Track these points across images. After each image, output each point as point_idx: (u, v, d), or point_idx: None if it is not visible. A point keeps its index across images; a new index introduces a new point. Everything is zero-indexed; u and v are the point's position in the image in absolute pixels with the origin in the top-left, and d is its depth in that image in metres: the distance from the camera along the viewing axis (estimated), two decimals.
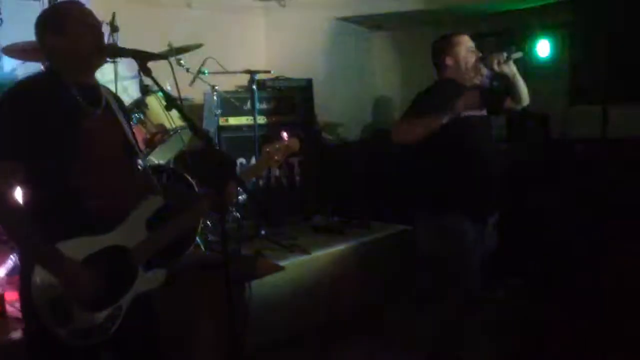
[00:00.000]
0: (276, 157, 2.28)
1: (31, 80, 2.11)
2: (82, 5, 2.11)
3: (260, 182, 5.17)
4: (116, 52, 2.13)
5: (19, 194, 2.01)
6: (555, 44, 5.48)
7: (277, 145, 2.29)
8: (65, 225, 1.97)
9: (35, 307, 1.94)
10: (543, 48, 5.63)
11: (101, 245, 2.02)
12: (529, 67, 5.61)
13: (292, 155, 2.37)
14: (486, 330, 3.78)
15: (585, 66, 5.25)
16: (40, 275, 1.93)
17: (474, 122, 3.13)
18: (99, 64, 2.12)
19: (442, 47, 3.24)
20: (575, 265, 4.33)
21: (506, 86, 3.25)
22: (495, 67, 3.11)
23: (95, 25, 2.09)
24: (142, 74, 1.98)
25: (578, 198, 4.68)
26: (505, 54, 3.12)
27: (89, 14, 2.08)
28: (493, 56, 3.13)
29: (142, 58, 2.05)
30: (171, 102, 2.00)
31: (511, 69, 3.16)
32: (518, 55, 3.17)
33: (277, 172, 5.18)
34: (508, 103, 3.30)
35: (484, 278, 4.07)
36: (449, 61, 3.19)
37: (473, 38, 3.29)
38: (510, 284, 4.67)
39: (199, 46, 4.31)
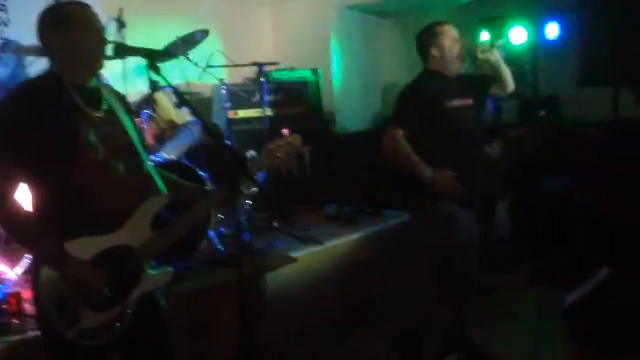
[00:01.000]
0: (278, 154, 2.23)
1: (31, 83, 2.12)
2: (86, 7, 2.10)
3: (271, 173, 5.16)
4: (125, 51, 2.12)
5: (24, 197, 2.01)
6: (564, 27, 5.47)
7: (279, 143, 2.24)
8: (69, 226, 1.98)
9: (43, 308, 1.97)
10: (552, 30, 5.62)
11: (106, 244, 2.02)
12: (538, 50, 5.61)
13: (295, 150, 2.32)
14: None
15: (594, 48, 5.21)
16: (46, 276, 1.95)
17: (459, 112, 3.17)
18: (97, 68, 2.11)
19: (427, 38, 3.25)
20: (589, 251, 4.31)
21: (492, 73, 3.32)
22: (479, 54, 3.19)
23: (98, 28, 2.07)
24: (153, 71, 1.97)
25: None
26: (488, 42, 3.23)
27: (92, 16, 2.07)
28: (476, 44, 3.23)
29: (151, 56, 2.05)
30: (182, 99, 1.99)
31: (495, 55, 3.23)
32: (500, 42, 3.27)
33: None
34: (493, 89, 3.37)
35: (495, 264, 4.10)
36: (434, 52, 3.20)
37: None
38: (524, 269, 4.67)
39: (205, 32, 4.27)
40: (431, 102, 3.11)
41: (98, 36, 2.07)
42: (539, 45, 5.39)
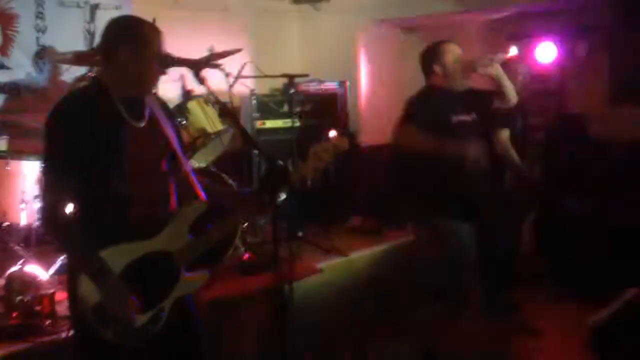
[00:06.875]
0: (325, 157, 2.20)
1: (78, 96, 2.19)
2: (159, 32, 2.13)
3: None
4: (171, 62, 2.16)
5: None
6: (592, 44, 5.46)
7: (325, 145, 2.20)
8: (110, 233, 2.04)
9: (80, 310, 2.02)
10: (579, 48, 5.62)
11: (145, 250, 2.08)
12: (566, 68, 5.60)
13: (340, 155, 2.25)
14: None
15: (623, 66, 5.20)
16: (85, 281, 2.01)
17: (463, 127, 3.29)
18: (150, 90, 2.18)
19: (431, 55, 3.38)
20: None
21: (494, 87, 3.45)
22: (480, 70, 3.32)
23: (163, 54, 2.12)
24: (198, 82, 2.02)
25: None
26: (489, 57, 3.34)
27: (162, 42, 2.12)
28: (478, 60, 3.35)
29: (195, 67, 2.10)
30: (224, 109, 2.02)
31: (496, 70, 3.35)
32: (501, 58, 3.40)
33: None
34: (496, 103, 3.48)
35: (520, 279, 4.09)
36: (437, 69, 3.33)
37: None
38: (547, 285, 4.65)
39: (238, 50, 4.37)
40: (437, 117, 3.22)
41: (164, 53, 2.11)
42: (566, 63, 5.39)
